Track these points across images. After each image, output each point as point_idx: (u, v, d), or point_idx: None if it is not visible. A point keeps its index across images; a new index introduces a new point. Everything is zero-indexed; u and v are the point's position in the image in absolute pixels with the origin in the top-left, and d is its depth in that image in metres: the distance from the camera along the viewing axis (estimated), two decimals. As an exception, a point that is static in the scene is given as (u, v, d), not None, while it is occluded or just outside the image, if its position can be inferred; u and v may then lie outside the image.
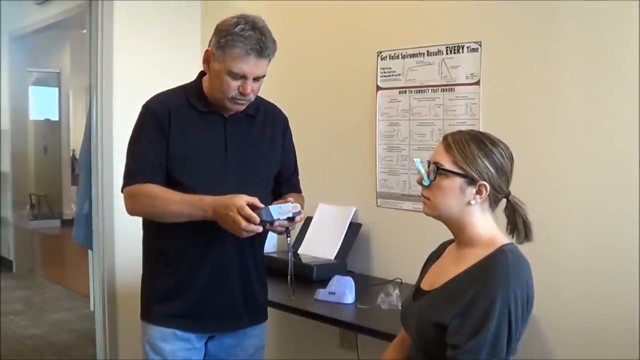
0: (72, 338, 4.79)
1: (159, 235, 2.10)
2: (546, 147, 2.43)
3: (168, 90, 2.16)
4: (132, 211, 2.09)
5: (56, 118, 10.19)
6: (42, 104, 10.13)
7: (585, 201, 2.33)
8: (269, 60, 2.04)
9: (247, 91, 2.00)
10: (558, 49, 2.39)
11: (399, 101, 2.91)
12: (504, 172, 1.62)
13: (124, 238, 3.58)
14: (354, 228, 3.05)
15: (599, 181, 2.30)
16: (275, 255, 3.15)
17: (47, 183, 9.92)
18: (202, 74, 2.14)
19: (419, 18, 2.86)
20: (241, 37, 1.94)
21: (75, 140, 9.37)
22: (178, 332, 2.09)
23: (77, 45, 8.71)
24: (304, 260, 2.99)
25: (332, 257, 2.99)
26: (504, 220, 1.67)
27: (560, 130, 2.39)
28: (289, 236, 2.04)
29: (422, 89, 2.82)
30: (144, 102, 2.13)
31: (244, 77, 1.98)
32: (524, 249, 1.63)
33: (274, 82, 3.52)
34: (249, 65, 1.97)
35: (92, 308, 4.40)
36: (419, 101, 2.84)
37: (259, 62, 1.99)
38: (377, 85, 2.99)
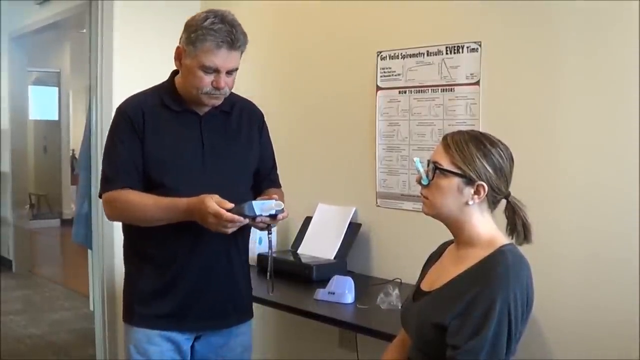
0: (72, 338, 4.79)
1: (142, 238, 2.08)
2: (546, 147, 2.43)
3: (141, 92, 2.15)
4: (111, 218, 2.10)
5: (56, 118, 10.19)
6: (42, 104, 10.12)
7: (585, 201, 2.33)
8: (241, 53, 2.02)
9: (221, 85, 1.99)
10: (558, 48, 2.39)
11: (399, 101, 2.91)
12: (503, 173, 1.62)
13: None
14: (354, 228, 3.05)
15: (600, 181, 2.30)
16: (275, 255, 3.14)
17: (47, 183, 9.92)
18: (174, 73, 2.12)
19: (419, 18, 2.86)
20: (211, 30, 1.93)
21: (75, 140, 9.36)
22: (164, 333, 2.07)
23: (77, 45, 8.71)
24: (303, 260, 3.00)
25: (332, 257, 2.99)
26: (504, 221, 1.67)
27: (560, 129, 2.39)
28: (270, 233, 2.04)
29: (422, 89, 2.82)
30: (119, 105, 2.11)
31: (217, 71, 1.97)
32: (524, 249, 1.63)
33: (274, 82, 3.54)
34: (221, 59, 1.96)
35: (91, 308, 4.39)
36: (418, 101, 2.84)
37: (231, 55, 1.98)
38: (377, 85, 2.99)
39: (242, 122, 2.18)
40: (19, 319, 5.25)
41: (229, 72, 2.01)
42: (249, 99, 2.27)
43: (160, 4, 3.74)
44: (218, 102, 2.06)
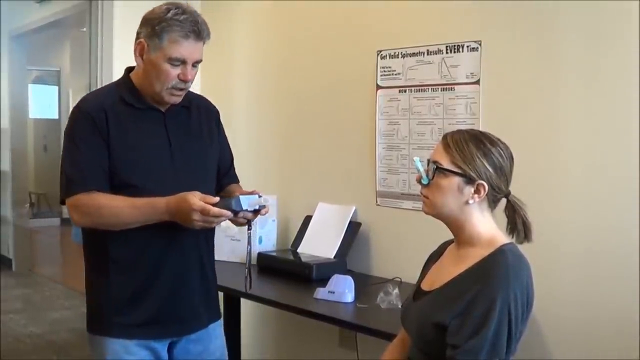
0: (72, 337, 4.79)
1: (108, 242, 1.97)
2: (546, 147, 2.43)
3: (98, 90, 2.07)
4: (79, 223, 1.97)
5: (56, 117, 10.19)
6: (42, 103, 10.12)
7: (585, 200, 2.33)
8: (204, 44, 1.98)
9: (188, 77, 1.94)
10: (558, 48, 2.39)
11: (399, 100, 2.91)
12: (503, 172, 1.62)
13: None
14: (354, 227, 3.05)
15: (599, 180, 2.30)
16: (275, 254, 3.15)
17: (47, 181, 9.90)
18: (128, 70, 2.06)
19: (419, 17, 2.86)
20: (176, 21, 1.90)
21: (74, 139, 9.34)
22: (142, 342, 1.98)
23: (77, 43, 8.71)
24: (303, 259, 3.00)
25: (332, 256, 2.99)
26: (504, 220, 1.67)
27: (559, 129, 2.39)
28: (250, 229, 2.00)
29: (422, 88, 2.82)
30: (76, 105, 2.02)
31: (183, 63, 1.93)
32: (524, 248, 1.63)
33: (274, 81, 3.54)
34: (188, 49, 1.92)
35: (91, 307, 4.39)
36: (418, 100, 2.84)
37: (197, 46, 1.94)
38: (377, 84, 2.99)
39: (201, 118, 2.13)
40: (19, 317, 5.25)
41: (194, 65, 1.96)
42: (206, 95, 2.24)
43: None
44: (179, 100, 2.01)
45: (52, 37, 8.48)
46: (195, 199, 1.84)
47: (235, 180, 2.27)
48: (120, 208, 1.91)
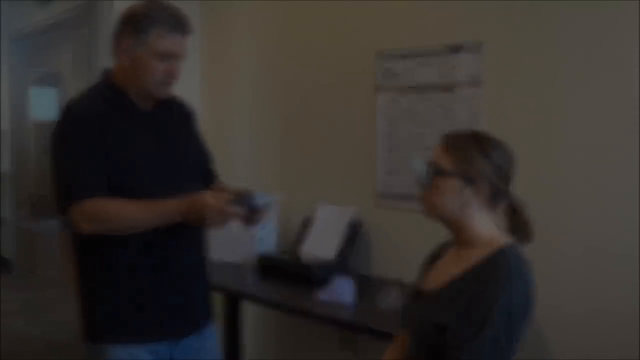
0: (72, 338, 4.78)
1: (108, 246, 1.94)
2: (547, 148, 2.43)
3: (84, 95, 2.05)
4: (87, 231, 1.89)
5: (57, 118, 10.19)
6: (43, 104, 10.12)
7: (586, 201, 2.33)
8: (185, 39, 1.99)
9: (175, 71, 1.95)
10: (559, 49, 2.39)
11: (399, 101, 2.91)
12: (503, 173, 1.62)
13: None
14: (354, 228, 3.05)
15: (600, 181, 2.30)
16: (275, 256, 3.15)
17: (48, 183, 9.91)
18: (106, 72, 2.04)
19: (419, 18, 2.86)
20: (161, 17, 1.91)
21: (76, 141, 9.35)
22: (147, 346, 1.97)
23: (78, 45, 8.72)
24: (303, 261, 2.99)
25: (332, 257, 2.99)
26: (504, 221, 1.67)
27: (560, 130, 2.39)
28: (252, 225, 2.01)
29: (422, 89, 2.82)
30: (65, 110, 1.98)
31: (170, 57, 1.93)
32: (524, 248, 1.63)
33: (274, 82, 3.54)
34: (175, 43, 1.93)
35: (92, 308, 4.39)
36: (419, 102, 2.84)
37: (183, 40, 1.95)
38: (377, 86, 2.99)
39: (181, 117, 2.14)
40: (19, 319, 5.25)
41: (179, 59, 1.96)
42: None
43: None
44: (167, 94, 2.01)
45: (53, 39, 8.46)
46: (208, 197, 1.84)
47: (217, 177, 2.27)
48: (130, 212, 1.88)
